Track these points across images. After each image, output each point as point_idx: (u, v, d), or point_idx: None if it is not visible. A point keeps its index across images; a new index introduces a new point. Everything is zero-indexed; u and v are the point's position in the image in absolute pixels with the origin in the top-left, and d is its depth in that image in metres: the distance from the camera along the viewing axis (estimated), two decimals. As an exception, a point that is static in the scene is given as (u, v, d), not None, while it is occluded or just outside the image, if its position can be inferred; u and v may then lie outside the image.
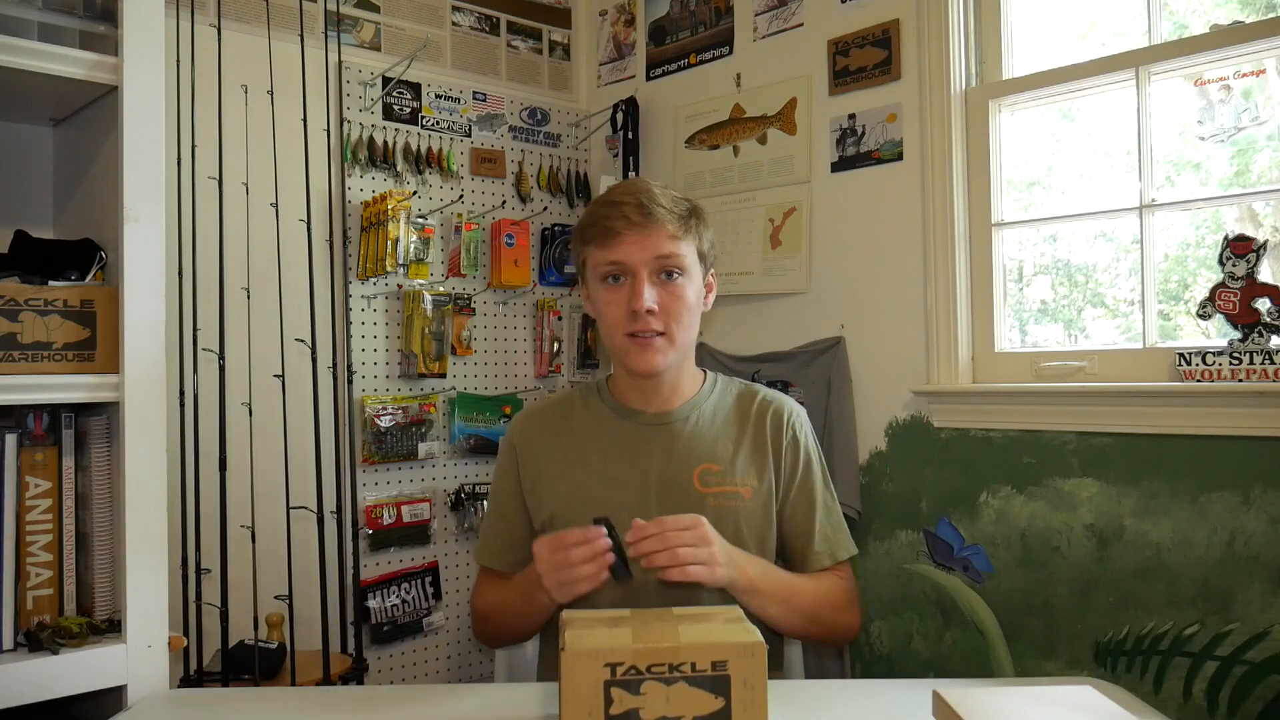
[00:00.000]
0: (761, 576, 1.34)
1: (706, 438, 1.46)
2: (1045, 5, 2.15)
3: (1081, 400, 1.94)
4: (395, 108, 2.56)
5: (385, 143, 2.53)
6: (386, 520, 2.47)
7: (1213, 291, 1.78)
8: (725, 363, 2.56)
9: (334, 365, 2.25)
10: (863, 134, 2.34)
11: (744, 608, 1.25)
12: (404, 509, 2.50)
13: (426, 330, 2.53)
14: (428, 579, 2.55)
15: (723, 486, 1.42)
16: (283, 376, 2.11)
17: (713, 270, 1.49)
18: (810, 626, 1.43)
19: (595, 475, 1.45)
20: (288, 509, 2.11)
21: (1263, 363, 1.71)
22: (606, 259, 1.38)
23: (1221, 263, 1.78)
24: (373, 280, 2.49)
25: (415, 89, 2.60)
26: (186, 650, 1.96)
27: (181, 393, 1.99)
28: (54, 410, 1.30)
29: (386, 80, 2.52)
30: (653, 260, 1.36)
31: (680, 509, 1.39)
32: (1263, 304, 1.73)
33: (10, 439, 1.26)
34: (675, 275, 1.38)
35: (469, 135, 2.71)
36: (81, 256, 1.38)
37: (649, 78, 2.86)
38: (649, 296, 1.36)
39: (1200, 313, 1.81)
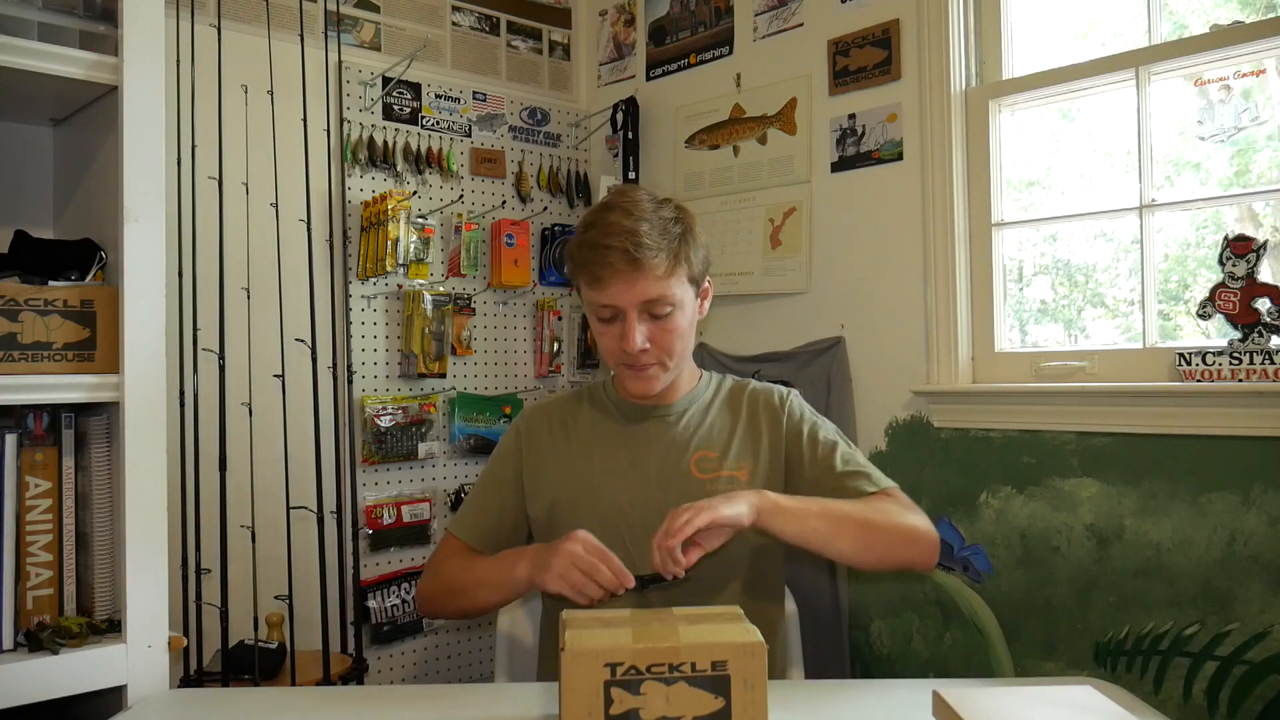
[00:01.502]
0: (782, 496, 1.31)
1: (703, 427, 1.50)
2: (1045, 5, 2.15)
3: (1081, 400, 1.94)
4: (395, 108, 2.56)
5: (385, 143, 2.53)
6: (386, 520, 2.47)
7: (1213, 291, 1.78)
8: (725, 363, 2.56)
9: (334, 365, 2.25)
10: (863, 134, 2.33)
11: (786, 537, 1.27)
12: (404, 509, 2.50)
13: (426, 330, 2.52)
14: (428, 579, 2.55)
15: (719, 472, 1.45)
16: (283, 376, 2.11)
17: (708, 277, 1.50)
18: (871, 537, 1.33)
19: (597, 466, 1.49)
20: (288, 509, 2.11)
21: (1263, 363, 1.71)
22: (597, 300, 1.40)
23: (1221, 263, 1.78)
24: (373, 280, 2.49)
25: (415, 89, 2.60)
26: (186, 650, 1.96)
27: (181, 393, 1.99)
28: (54, 410, 1.30)
29: (386, 80, 2.52)
30: (641, 303, 1.38)
31: (680, 495, 1.42)
32: (1263, 304, 1.73)
33: (10, 439, 1.26)
34: (666, 311, 1.39)
35: (469, 135, 2.71)
36: (81, 256, 1.38)
37: (649, 78, 2.86)
38: (640, 337, 1.38)
39: (1200, 313, 1.81)
